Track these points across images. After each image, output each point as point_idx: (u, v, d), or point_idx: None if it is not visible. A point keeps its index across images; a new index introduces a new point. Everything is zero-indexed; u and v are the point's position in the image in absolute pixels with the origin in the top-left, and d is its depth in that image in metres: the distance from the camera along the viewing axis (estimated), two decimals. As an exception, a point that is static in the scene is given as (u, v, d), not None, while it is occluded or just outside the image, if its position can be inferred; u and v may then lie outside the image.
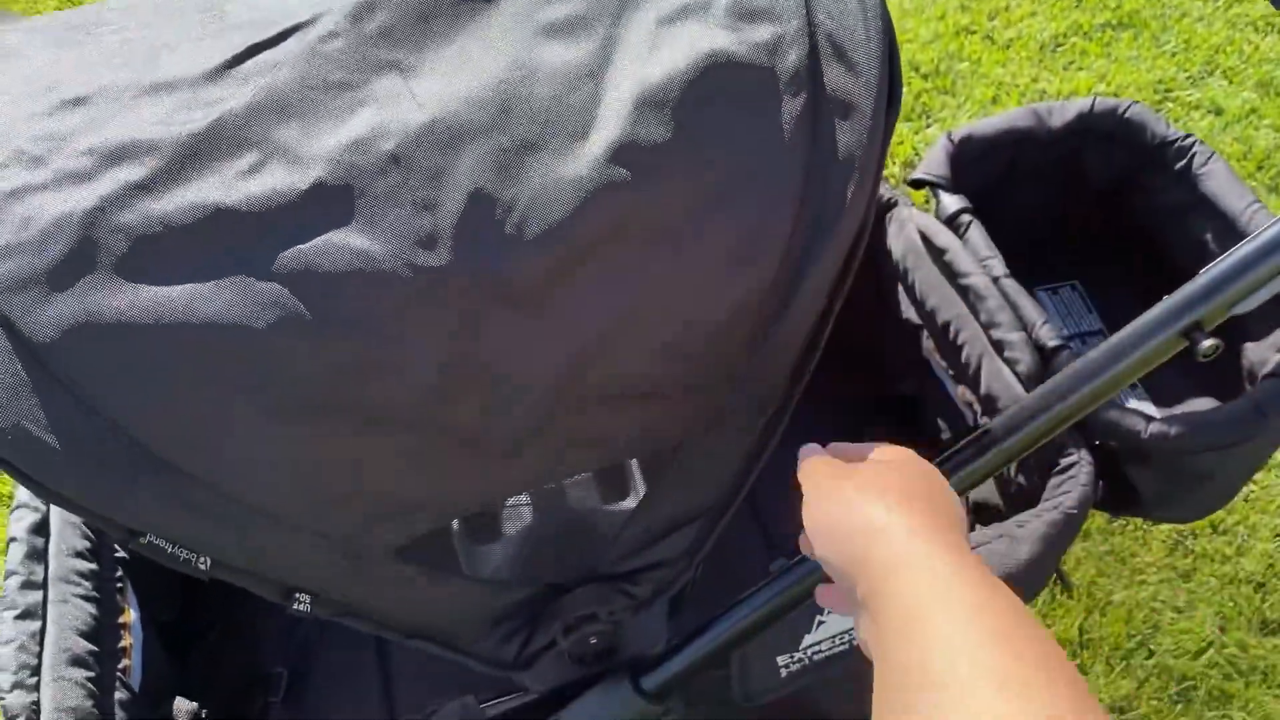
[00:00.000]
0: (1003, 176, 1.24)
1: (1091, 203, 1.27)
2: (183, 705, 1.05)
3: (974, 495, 1.15)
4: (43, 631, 0.92)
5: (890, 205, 1.20)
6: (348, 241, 0.54)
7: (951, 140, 1.18)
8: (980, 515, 1.14)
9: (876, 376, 1.34)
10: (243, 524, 0.60)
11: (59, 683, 0.89)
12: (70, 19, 0.65)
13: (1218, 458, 0.96)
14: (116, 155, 0.55)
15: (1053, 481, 0.97)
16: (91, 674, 0.93)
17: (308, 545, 0.63)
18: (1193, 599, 1.55)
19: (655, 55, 0.58)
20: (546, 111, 0.57)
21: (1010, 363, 1.02)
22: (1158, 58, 2.27)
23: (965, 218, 1.12)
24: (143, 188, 0.54)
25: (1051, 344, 1.01)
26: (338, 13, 0.59)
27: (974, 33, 2.37)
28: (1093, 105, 1.17)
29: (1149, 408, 1.17)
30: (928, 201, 1.22)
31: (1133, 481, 1.02)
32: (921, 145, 2.18)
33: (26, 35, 0.63)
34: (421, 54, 0.59)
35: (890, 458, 0.59)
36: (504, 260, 0.55)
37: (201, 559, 0.61)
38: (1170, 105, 2.19)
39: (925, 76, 2.30)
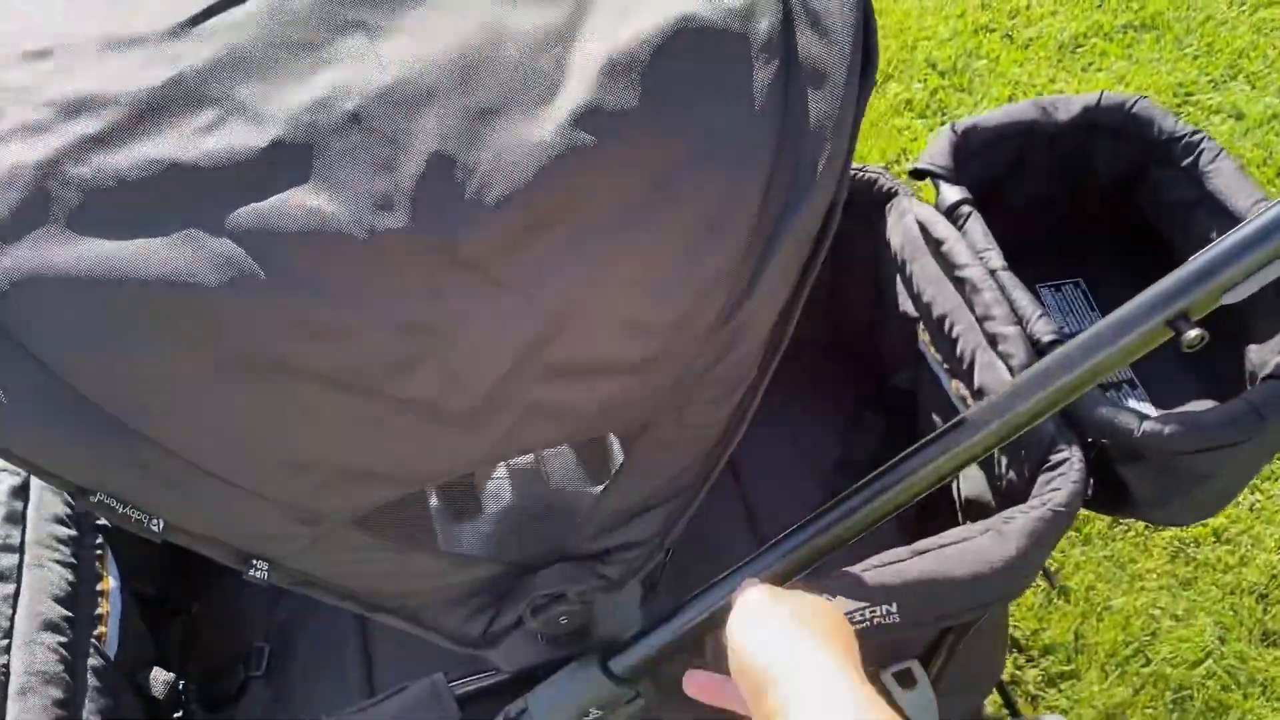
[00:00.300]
0: (1008, 169, 1.22)
1: (1097, 198, 1.24)
2: (159, 675, 1.04)
3: (965, 491, 1.13)
4: (16, 595, 0.91)
5: (890, 195, 1.19)
6: (304, 201, 0.53)
7: (955, 131, 1.16)
8: (970, 511, 1.13)
9: (873, 368, 1.32)
10: (195, 487, 0.59)
11: (30, 647, 0.89)
12: None
13: (1213, 459, 0.94)
14: (74, 108, 0.54)
15: (1042, 478, 0.95)
16: (64, 639, 0.92)
17: (263, 511, 0.62)
18: (1192, 607, 1.52)
19: (625, 19, 0.57)
20: (512, 74, 0.56)
21: (1004, 356, 1.01)
22: (1179, 60, 2.24)
23: (965, 209, 1.11)
24: (98, 141, 0.53)
25: (1046, 339, 0.99)
26: None
27: (993, 31, 2.35)
28: (1100, 99, 1.15)
29: (1147, 408, 1.15)
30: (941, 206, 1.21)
31: (1126, 481, 1.00)
32: (935, 142, 2.16)
33: None
34: (388, 14, 0.58)
35: (812, 599, 0.64)
36: (463, 225, 0.54)
37: (154, 520, 0.60)
38: (1190, 109, 2.16)
39: (942, 74, 2.27)
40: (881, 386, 1.29)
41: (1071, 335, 1.24)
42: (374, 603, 0.72)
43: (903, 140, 2.16)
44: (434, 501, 0.71)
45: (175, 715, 1.05)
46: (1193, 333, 0.63)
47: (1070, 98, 1.17)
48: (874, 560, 0.89)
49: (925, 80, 2.26)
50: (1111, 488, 1.01)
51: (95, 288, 0.52)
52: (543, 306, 0.58)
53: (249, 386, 0.56)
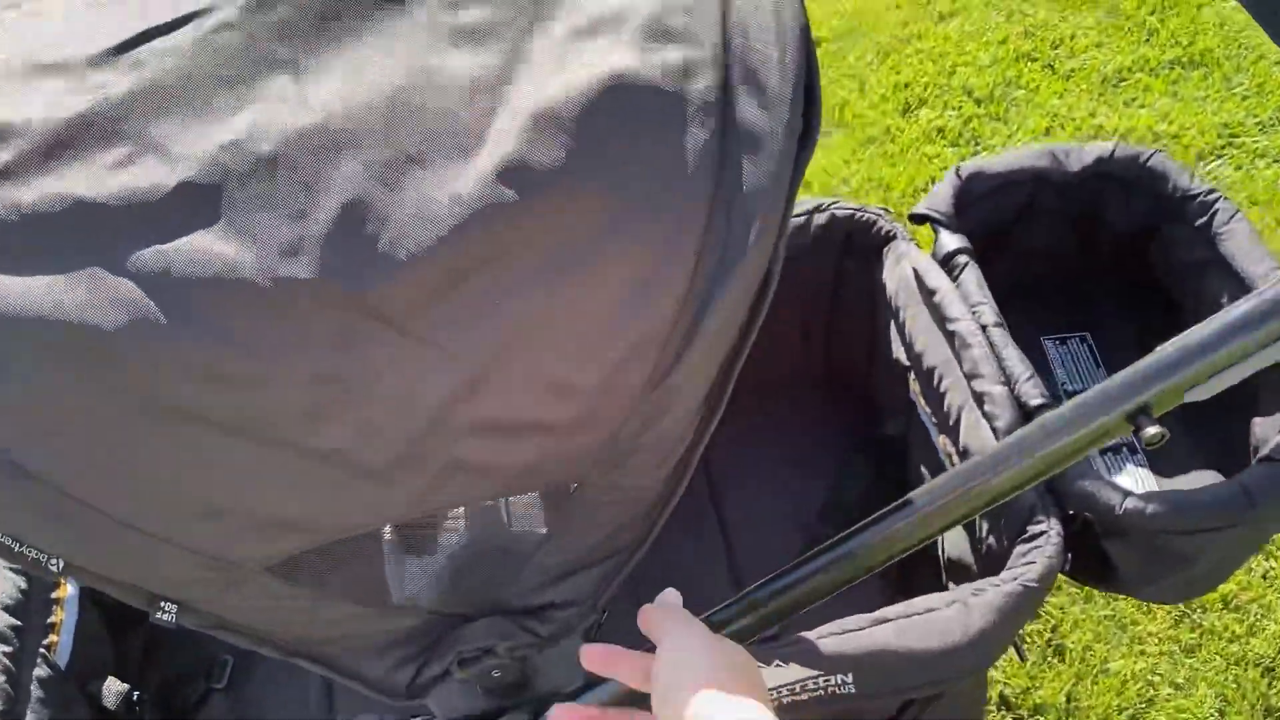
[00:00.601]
0: (1016, 216, 1.18)
1: (1109, 251, 1.20)
2: (113, 686, 1.03)
3: (948, 550, 1.09)
4: (-37, 603, 0.91)
5: (888, 238, 1.15)
6: (210, 246, 0.51)
7: (959, 175, 1.12)
8: (952, 571, 1.09)
9: (868, 411, 1.28)
10: (96, 530, 0.57)
11: (-28, 656, 0.88)
12: None
13: (1201, 541, 0.89)
14: None
15: (1018, 549, 0.91)
16: (9, 648, 0.92)
17: (170, 556, 0.60)
18: (1194, 676, 1.46)
19: (558, 72, 0.54)
20: (437, 123, 0.54)
21: (989, 417, 0.97)
22: (1226, 100, 2.16)
23: (961, 259, 1.07)
24: (5, 173, 0.52)
25: (1033, 402, 0.95)
26: (238, 2, 0.56)
27: (1035, 60, 2.29)
28: (1113, 150, 1.10)
29: (1145, 475, 1.10)
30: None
31: (1110, 556, 0.95)
32: (966, 173, 2.10)
33: None
34: (318, 54, 0.55)
35: (736, 650, 0.63)
36: (373, 276, 0.52)
37: (53, 560, 0.58)
38: (1234, 152, 2.09)
39: (978, 102, 2.22)
40: (872, 432, 1.25)
41: (1075, 394, 1.20)
42: (292, 648, 0.70)
43: (932, 169, 2.11)
44: (357, 549, 0.69)
45: (126, 726, 1.04)
46: (1152, 430, 0.59)
47: (1082, 147, 1.12)
48: (833, 627, 0.86)
49: (960, 108, 2.21)
50: (1097, 561, 0.97)
51: None
52: (461, 363, 0.55)
53: (151, 431, 0.54)
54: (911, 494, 0.65)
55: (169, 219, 0.52)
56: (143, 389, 0.53)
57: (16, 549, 0.57)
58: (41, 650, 0.96)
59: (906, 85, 2.27)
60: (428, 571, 0.72)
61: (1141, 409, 0.59)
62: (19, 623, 0.94)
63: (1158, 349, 0.60)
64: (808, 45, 0.56)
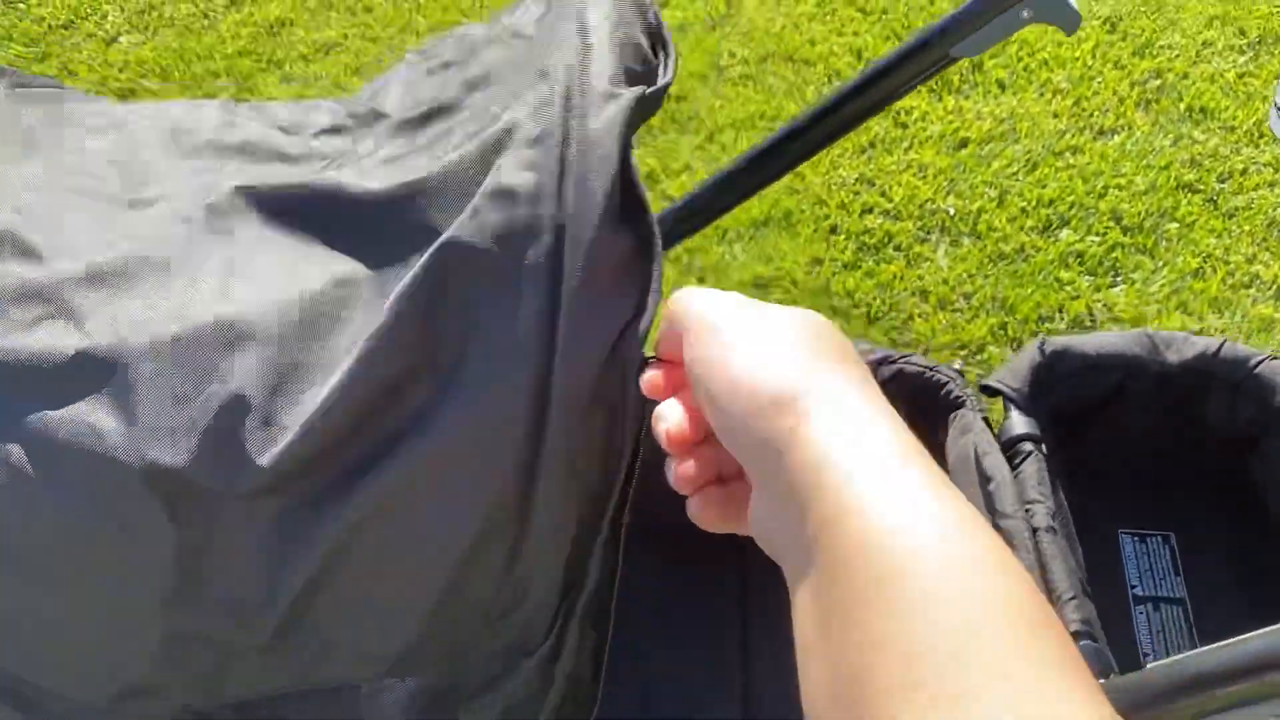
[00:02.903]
0: (1105, 397, 1.08)
1: (1208, 450, 1.09)
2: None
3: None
4: None
5: (956, 405, 1.07)
6: (91, 417, 0.52)
7: (1042, 351, 1.04)
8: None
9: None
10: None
11: None
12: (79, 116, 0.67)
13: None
14: None
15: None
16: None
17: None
18: None
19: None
20: (326, 331, 0.53)
21: (1023, 633, 0.88)
22: None
23: (1026, 446, 0.98)
24: None
25: (1071, 628, 0.86)
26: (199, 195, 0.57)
27: (1196, 192, 2.13)
28: (1219, 349, 1.00)
29: None
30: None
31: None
32: (1099, 305, 1.97)
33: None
34: (255, 250, 0.57)
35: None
36: (241, 476, 0.51)
37: None
38: None
39: (1126, 230, 2.08)
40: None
41: (1146, 601, 1.09)
42: None
43: (1062, 296, 1.98)
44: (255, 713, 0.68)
45: None
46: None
47: (1186, 338, 1.02)
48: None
49: (1105, 233, 2.07)
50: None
51: None
52: (316, 547, 0.54)
53: (25, 581, 0.55)
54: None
55: (61, 385, 0.52)
56: (13, 539, 0.53)
57: None
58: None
59: (1050, 202, 2.15)
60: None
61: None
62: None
63: (1149, 666, 0.52)
64: (635, 204, 0.52)
